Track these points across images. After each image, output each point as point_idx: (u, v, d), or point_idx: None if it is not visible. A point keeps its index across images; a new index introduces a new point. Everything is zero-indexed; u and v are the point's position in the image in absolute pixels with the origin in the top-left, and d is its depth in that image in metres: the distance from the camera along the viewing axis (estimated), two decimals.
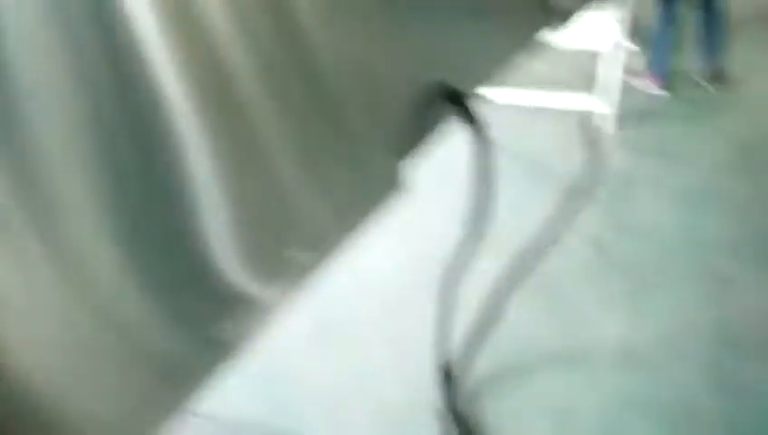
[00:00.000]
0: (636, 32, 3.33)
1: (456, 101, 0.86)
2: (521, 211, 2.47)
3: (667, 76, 3.48)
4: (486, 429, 1.73)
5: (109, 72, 0.50)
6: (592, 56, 3.19)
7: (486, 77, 0.97)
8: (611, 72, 3.18)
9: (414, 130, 0.82)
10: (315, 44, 0.67)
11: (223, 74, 0.58)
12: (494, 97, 3.20)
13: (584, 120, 3.24)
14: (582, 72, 3.30)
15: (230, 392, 1.74)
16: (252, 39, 0.60)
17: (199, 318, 0.60)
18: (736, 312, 2.11)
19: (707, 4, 3.40)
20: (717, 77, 3.49)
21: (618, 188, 2.73)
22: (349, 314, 2.16)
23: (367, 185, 0.78)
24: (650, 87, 3.52)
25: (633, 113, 3.29)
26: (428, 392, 1.74)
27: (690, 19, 3.40)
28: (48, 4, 0.46)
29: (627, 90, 3.28)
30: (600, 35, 3.10)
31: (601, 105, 3.26)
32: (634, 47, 3.46)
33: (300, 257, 0.68)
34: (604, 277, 2.28)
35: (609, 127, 3.24)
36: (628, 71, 3.30)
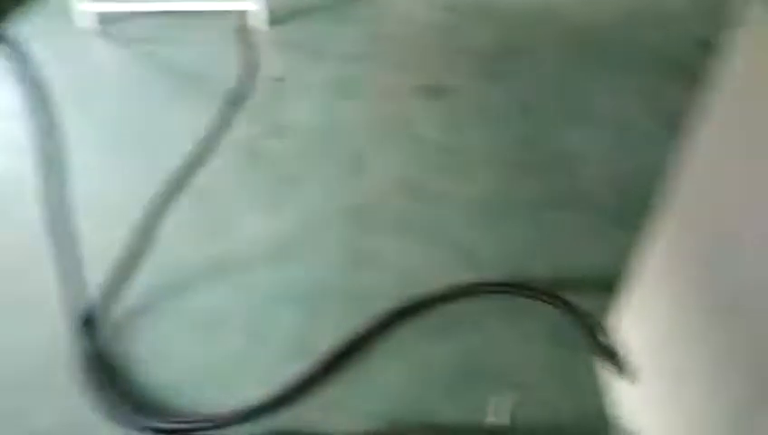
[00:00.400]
0: None
1: None
2: (174, 129, 2.51)
3: None
4: (136, 362, 1.70)
5: None
6: None
7: None
8: None
9: None
10: None
11: None
12: (136, 7, 3.22)
13: (237, 22, 3.26)
14: None
15: None
16: None
17: None
18: (370, 190, 2.27)
19: None
20: None
21: (270, 89, 2.79)
22: None
23: None
24: None
25: (285, 10, 3.40)
26: (68, 345, 1.70)
27: None
28: None
29: None
30: None
31: (251, 4, 3.25)
32: None
33: None
34: (254, 180, 2.32)
35: (261, 26, 3.27)
36: None
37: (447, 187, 2.26)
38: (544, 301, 1.79)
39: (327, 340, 1.73)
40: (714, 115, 1.20)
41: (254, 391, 1.60)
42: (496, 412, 1.54)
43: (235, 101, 2.63)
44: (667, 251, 1.41)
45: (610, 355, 1.57)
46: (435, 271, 1.94)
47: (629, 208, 2.12)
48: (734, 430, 0.99)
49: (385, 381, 1.66)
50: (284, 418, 1.57)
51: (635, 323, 1.56)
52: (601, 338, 1.64)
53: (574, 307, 1.73)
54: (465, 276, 1.90)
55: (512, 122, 2.58)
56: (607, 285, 1.75)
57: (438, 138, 2.50)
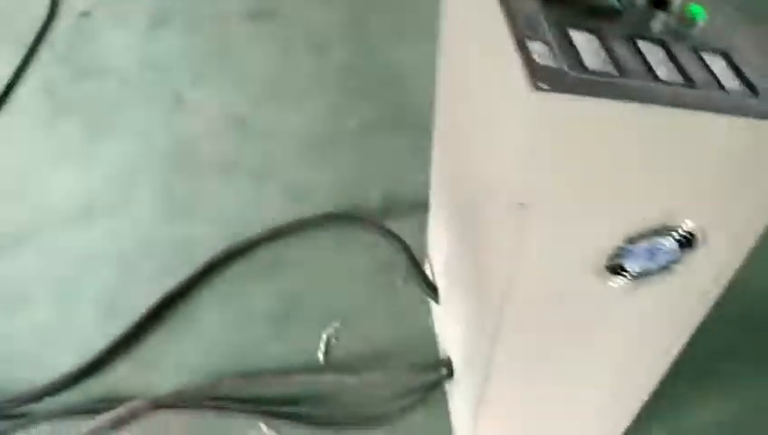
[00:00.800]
0: None
1: None
2: None
3: None
4: None
5: None
6: None
7: None
8: None
9: None
10: None
11: None
12: None
13: None
14: None
15: None
16: None
17: None
18: (190, 130, 2.14)
19: None
20: None
21: (76, 25, 2.53)
22: None
23: None
24: None
25: None
26: None
27: None
28: None
29: None
30: None
31: None
32: None
33: None
34: (59, 129, 2.13)
35: None
36: None
37: (274, 119, 2.15)
38: (368, 230, 1.78)
39: (146, 298, 1.64)
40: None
41: (67, 362, 1.51)
42: (325, 349, 1.54)
43: (36, 41, 2.36)
44: (436, 168, 1.41)
45: (426, 280, 1.58)
46: (263, 212, 1.87)
47: None
48: (490, 336, 1.01)
49: (206, 331, 1.61)
50: (98, 384, 1.50)
51: (434, 243, 1.58)
52: (419, 263, 1.65)
53: (395, 235, 1.72)
54: (296, 214, 1.85)
55: (340, 44, 2.46)
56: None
57: (263, 66, 2.36)
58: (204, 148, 2.06)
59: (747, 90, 0.73)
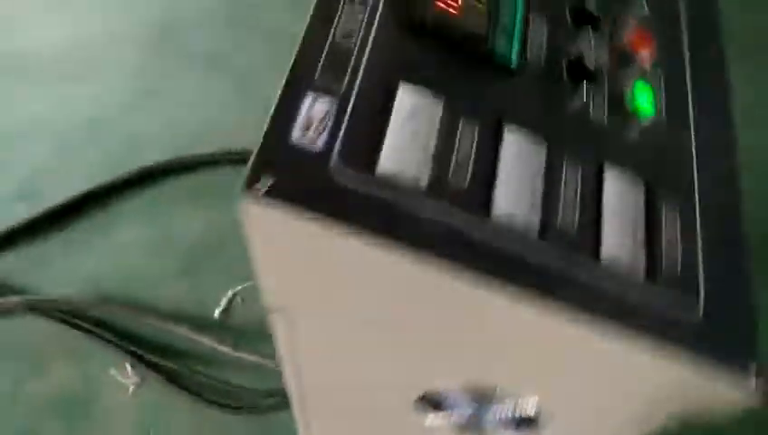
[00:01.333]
0: None
1: None
2: None
3: None
4: None
5: None
6: None
7: None
8: None
9: None
10: None
11: None
12: None
13: None
14: None
15: None
16: None
17: None
18: (188, 6, 1.87)
19: None
20: None
21: None
22: None
23: None
24: None
25: None
26: None
27: None
28: None
29: None
30: None
31: None
32: None
33: None
34: None
35: None
36: None
37: (286, 18, 1.87)
38: None
39: (73, 187, 1.51)
40: None
41: None
42: (225, 308, 1.38)
43: None
44: None
45: None
46: (239, 125, 1.63)
47: None
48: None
49: (116, 248, 1.46)
50: None
51: None
52: None
53: None
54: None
55: None
56: None
57: None
58: (197, 32, 1.83)
59: (642, 265, 0.45)
